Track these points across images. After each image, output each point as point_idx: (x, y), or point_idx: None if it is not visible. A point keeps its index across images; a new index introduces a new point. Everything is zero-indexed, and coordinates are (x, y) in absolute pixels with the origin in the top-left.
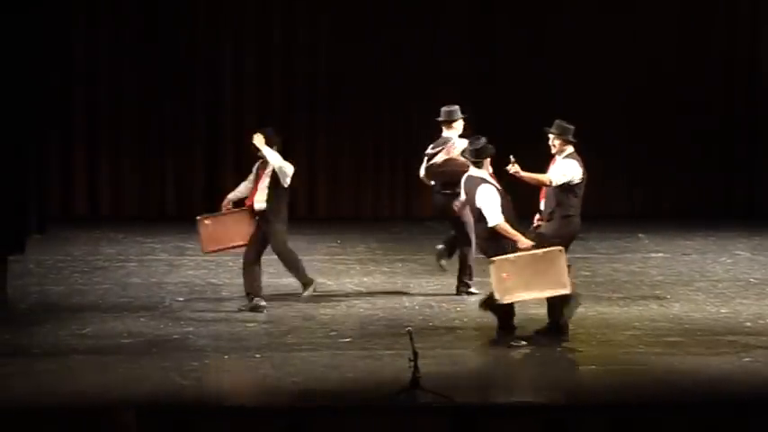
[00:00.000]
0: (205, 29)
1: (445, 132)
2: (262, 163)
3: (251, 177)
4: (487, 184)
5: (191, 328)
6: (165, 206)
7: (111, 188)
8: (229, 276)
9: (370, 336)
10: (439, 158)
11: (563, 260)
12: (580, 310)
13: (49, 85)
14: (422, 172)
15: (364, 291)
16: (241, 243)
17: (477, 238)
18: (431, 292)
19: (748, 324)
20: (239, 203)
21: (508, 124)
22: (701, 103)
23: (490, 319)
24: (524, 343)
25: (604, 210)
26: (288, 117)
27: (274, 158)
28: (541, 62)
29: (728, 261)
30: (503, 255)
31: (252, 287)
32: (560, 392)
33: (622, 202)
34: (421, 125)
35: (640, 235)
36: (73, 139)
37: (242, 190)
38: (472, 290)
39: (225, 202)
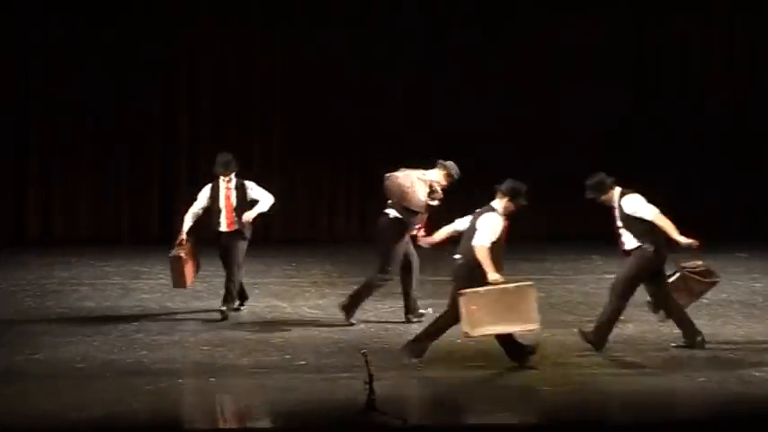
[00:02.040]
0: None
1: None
2: (226, 191)
3: (203, 204)
4: (498, 216)
5: (145, 352)
6: (120, 229)
7: (65, 211)
8: (184, 300)
9: (325, 358)
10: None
11: (533, 295)
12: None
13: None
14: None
15: (320, 313)
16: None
17: (458, 261)
18: (386, 314)
19: (707, 345)
20: (190, 233)
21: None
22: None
23: (444, 340)
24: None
25: (560, 230)
26: (242, 140)
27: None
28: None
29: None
30: (472, 285)
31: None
32: (514, 413)
33: (579, 222)
34: (375, 150)
35: (594, 256)
36: (26, 162)
37: (198, 213)
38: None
39: (183, 237)
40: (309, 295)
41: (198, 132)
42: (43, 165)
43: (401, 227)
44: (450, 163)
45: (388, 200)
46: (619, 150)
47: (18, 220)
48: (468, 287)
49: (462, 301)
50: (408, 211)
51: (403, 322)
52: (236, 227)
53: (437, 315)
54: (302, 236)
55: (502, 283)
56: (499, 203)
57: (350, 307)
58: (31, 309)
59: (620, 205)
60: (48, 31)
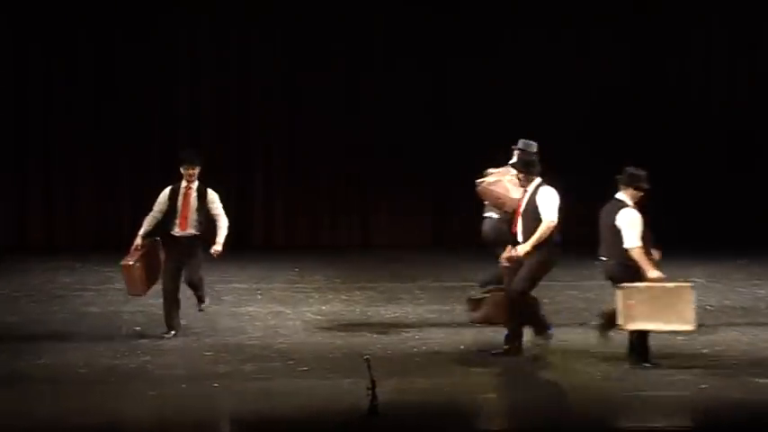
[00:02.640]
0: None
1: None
2: (185, 192)
3: (161, 208)
4: (631, 209)
5: (148, 357)
6: (122, 234)
7: (68, 218)
8: (186, 305)
9: (328, 364)
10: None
11: (692, 296)
12: (537, 339)
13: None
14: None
15: (323, 319)
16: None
17: (608, 259)
18: (389, 319)
19: (704, 351)
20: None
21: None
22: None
23: (448, 346)
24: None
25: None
26: (244, 146)
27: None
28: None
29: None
30: (631, 282)
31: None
32: (518, 419)
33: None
34: (380, 153)
35: (597, 262)
36: (27, 167)
37: (157, 217)
38: None
39: (140, 242)
40: (313, 301)
41: (199, 136)
42: (45, 170)
43: (507, 225)
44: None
45: (484, 203)
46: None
47: (20, 226)
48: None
49: (620, 296)
50: (506, 212)
51: (409, 325)
52: (193, 230)
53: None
54: (305, 242)
55: (661, 280)
56: (624, 194)
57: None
58: (34, 314)
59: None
60: (47, 36)
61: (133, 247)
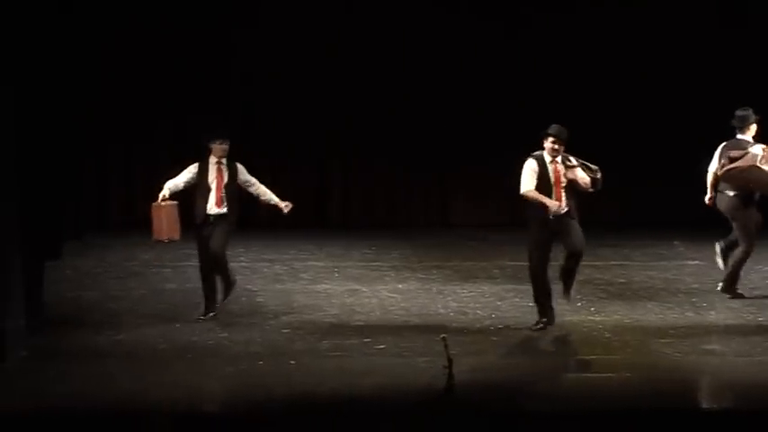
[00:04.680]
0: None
1: (740, 135)
2: (218, 168)
3: (191, 176)
4: None
5: (225, 334)
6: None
7: (147, 194)
8: (264, 282)
9: (404, 342)
10: (743, 163)
11: None
12: (616, 317)
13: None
14: (715, 170)
15: (399, 297)
16: (176, 238)
17: None
18: (465, 298)
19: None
20: (173, 197)
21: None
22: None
23: (523, 325)
24: None
25: (640, 216)
26: (322, 126)
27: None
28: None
29: (766, 269)
30: None
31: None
32: (594, 400)
33: (657, 208)
34: (452, 131)
35: (675, 242)
36: (108, 146)
37: (179, 185)
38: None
39: (166, 192)
40: (389, 279)
41: (275, 114)
42: (126, 150)
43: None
44: None
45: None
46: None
47: (101, 204)
48: None
49: None
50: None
51: (486, 303)
52: (224, 209)
53: None
54: (381, 221)
55: None
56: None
57: (729, 286)
58: (113, 290)
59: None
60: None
61: (161, 195)
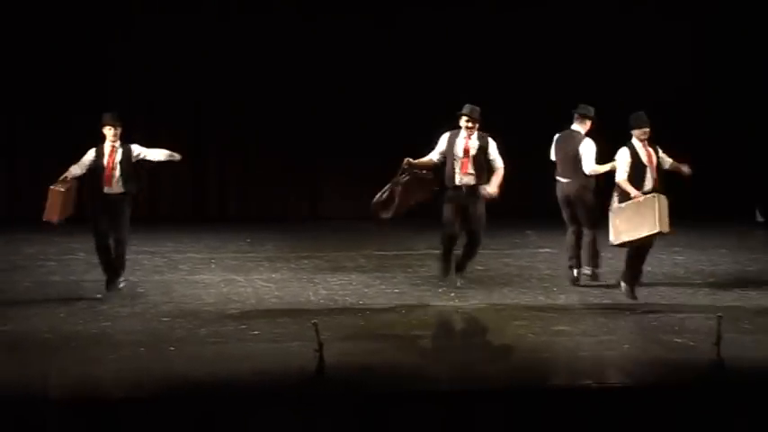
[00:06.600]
0: None
1: (576, 126)
2: (112, 150)
3: (90, 159)
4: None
5: (108, 323)
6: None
7: (31, 189)
8: (144, 273)
9: (278, 328)
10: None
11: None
12: (474, 301)
13: None
14: (553, 156)
15: (273, 286)
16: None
17: None
18: (335, 286)
19: (627, 312)
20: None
21: None
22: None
23: (390, 311)
24: None
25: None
26: (198, 121)
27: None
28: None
29: (608, 256)
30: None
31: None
32: (457, 381)
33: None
34: (330, 125)
35: (528, 231)
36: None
37: (81, 168)
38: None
39: (67, 175)
40: (263, 269)
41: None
42: (8, 146)
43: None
44: None
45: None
46: None
47: None
48: None
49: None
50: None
51: (354, 291)
52: (120, 187)
53: None
54: (256, 214)
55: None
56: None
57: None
58: None
59: None
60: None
61: (62, 178)
